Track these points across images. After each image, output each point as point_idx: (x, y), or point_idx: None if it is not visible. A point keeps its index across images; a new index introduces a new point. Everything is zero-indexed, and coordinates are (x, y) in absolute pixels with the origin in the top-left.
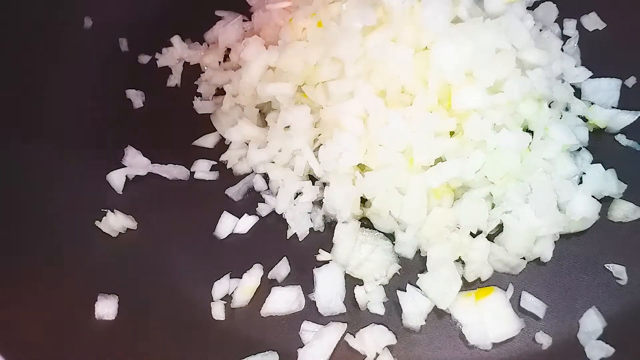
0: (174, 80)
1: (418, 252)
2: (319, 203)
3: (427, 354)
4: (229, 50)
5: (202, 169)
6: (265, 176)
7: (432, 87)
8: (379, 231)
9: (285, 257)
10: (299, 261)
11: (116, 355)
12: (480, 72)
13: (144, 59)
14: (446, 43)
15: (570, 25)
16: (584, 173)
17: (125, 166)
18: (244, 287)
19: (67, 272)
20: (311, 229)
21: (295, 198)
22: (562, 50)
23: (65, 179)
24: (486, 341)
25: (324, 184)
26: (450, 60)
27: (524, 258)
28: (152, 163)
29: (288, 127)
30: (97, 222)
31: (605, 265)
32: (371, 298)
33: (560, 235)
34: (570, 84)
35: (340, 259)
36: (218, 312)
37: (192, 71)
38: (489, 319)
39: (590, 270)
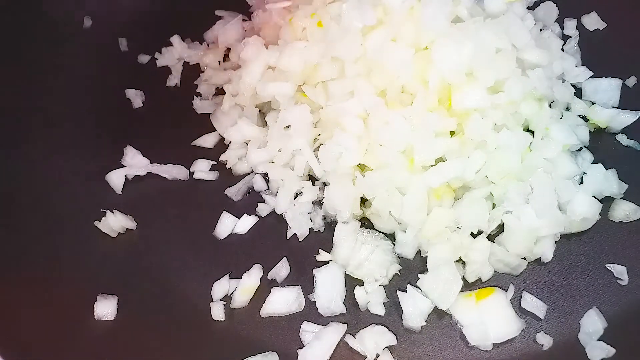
0: (174, 79)
1: (418, 252)
2: (319, 203)
3: (427, 354)
4: (228, 49)
5: (202, 169)
6: (265, 176)
7: (433, 87)
8: (379, 231)
9: (285, 258)
10: (299, 261)
11: (116, 356)
12: (480, 71)
13: (144, 58)
14: (446, 43)
15: (570, 25)
16: (585, 173)
17: (124, 166)
18: (244, 287)
19: (66, 273)
20: (311, 229)
21: (295, 198)
22: (562, 50)
23: (64, 179)
24: (487, 342)
25: (324, 184)
26: (451, 60)
27: (524, 258)
28: (151, 163)
29: (288, 127)
30: (96, 223)
31: (606, 265)
32: (371, 298)
33: (561, 235)
34: (571, 83)
35: (340, 259)
36: (218, 312)
37: (192, 71)
38: (490, 320)
39: (591, 271)
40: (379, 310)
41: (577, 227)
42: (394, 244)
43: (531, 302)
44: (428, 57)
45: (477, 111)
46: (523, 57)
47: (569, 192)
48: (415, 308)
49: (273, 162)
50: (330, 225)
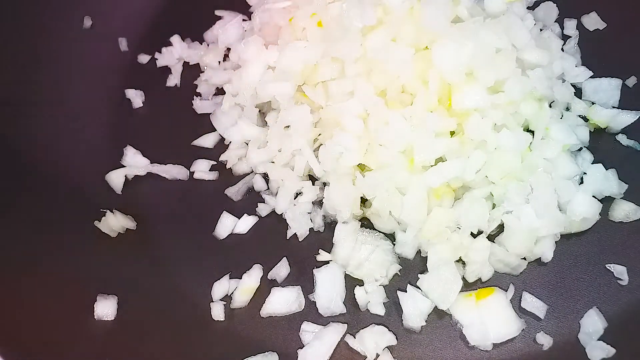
0: (174, 79)
1: (418, 252)
2: (319, 203)
3: (427, 354)
4: (228, 49)
5: (202, 169)
6: (265, 176)
7: (433, 87)
8: (379, 231)
9: (285, 258)
10: (299, 261)
11: (116, 356)
12: (480, 71)
13: (144, 58)
14: (446, 43)
15: (570, 25)
16: (585, 173)
17: (124, 166)
18: (244, 287)
19: (66, 272)
20: (311, 229)
21: (295, 198)
22: (562, 50)
23: (64, 179)
24: (487, 342)
25: (324, 184)
26: (451, 60)
27: (524, 258)
28: (151, 163)
29: (288, 127)
30: (96, 222)
31: (606, 265)
32: (371, 298)
33: (561, 235)
34: (571, 83)
35: (341, 259)
36: (218, 312)
37: (192, 71)
38: (490, 320)
39: (591, 271)
40: (379, 310)
41: (577, 227)
42: (394, 244)
43: (531, 302)
44: (428, 57)
45: (477, 111)
46: (523, 57)
47: (569, 192)
48: (415, 308)
49: (273, 162)
50: (330, 225)
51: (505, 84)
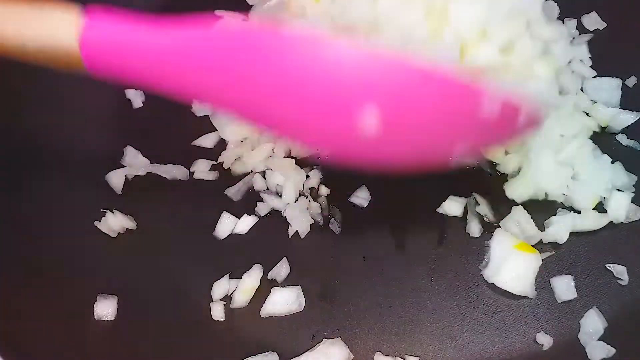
0: None
1: None
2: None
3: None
4: None
5: (202, 169)
6: (265, 176)
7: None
8: None
9: (285, 257)
10: (299, 261)
11: (116, 356)
12: (493, 29)
13: None
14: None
15: (570, 25)
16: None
17: (124, 166)
18: (244, 287)
19: (66, 273)
20: (312, 226)
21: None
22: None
23: (63, 179)
24: (497, 278)
25: None
26: (466, 16)
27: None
28: (151, 163)
29: None
30: (96, 223)
31: (606, 265)
32: None
33: None
34: None
35: None
36: (217, 312)
37: None
38: (511, 267)
39: (591, 271)
40: None
41: (589, 227)
42: None
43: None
44: (442, 15)
45: (489, 70)
46: (536, 32)
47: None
48: None
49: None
50: None
51: (517, 43)
